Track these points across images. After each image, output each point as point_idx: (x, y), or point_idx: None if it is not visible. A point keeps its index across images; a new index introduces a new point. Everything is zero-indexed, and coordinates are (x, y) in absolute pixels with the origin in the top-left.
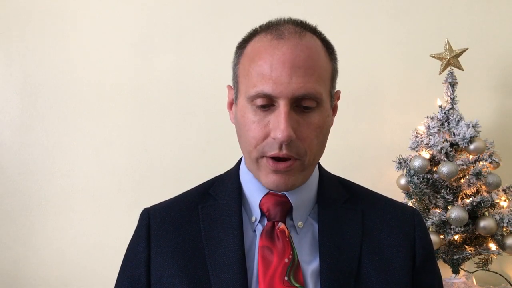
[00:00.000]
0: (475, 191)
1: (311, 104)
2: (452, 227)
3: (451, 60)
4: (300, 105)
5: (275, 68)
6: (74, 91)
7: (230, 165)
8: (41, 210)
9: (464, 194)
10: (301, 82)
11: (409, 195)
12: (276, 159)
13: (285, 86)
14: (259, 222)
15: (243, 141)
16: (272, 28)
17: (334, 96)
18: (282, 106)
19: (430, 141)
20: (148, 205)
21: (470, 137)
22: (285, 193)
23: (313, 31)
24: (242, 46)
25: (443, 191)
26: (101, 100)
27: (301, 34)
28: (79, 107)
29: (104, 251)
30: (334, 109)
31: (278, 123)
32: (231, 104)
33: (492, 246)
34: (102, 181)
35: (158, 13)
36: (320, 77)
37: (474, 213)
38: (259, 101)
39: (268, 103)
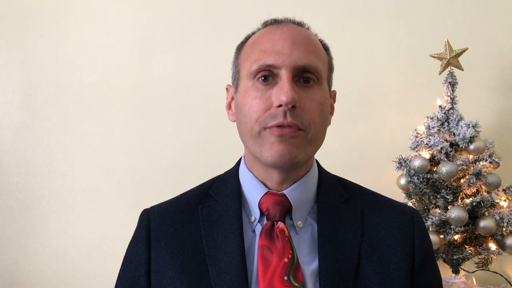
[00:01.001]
0: (475, 191)
1: (312, 77)
2: (452, 227)
3: (451, 60)
4: (301, 79)
5: (276, 44)
6: (74, 91)
7: (230, 165)
8: (41, 210)
9: (464, 194)
10: (302, 54)
11: (409, 195)
12: (280, 126)
13: (287, 56)
14: (258, 221)
15: (244, 123)
16: (272, 23)
17: (331, 93)
18: (284, 75)
19: (430, 141)
20: (148, 205)
21: (470, 137)
22: (285, 192)
23: (308, 29)
24: (242, 43)
25: (443, 191)
26: (101, 100)
27: (298, 24)
28: (79, 107)
29: (104, 251)
30: (331, 108)
31: (282, 90)
32: (229, 104)
33: (492, 246)
34: (102, 181)
35: (158, 13)
36: (319, 56)
37: (474, 213)
38: (261, 74)
39: (269, 75)
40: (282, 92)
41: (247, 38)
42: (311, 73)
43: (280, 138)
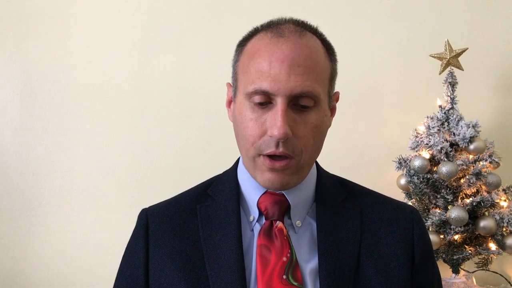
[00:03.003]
0: (475, 191)
1: (309, 103)
2: (452, 227)
3: (451, 60)
4: (298, 103)
5: (274, 66)
6: (74, 91)
7: (230, 165)
8: (41, 210)
9: (464, 194)
10: (300, 80)
11: (409, 195)
12: (272, 157)
13: (283, 84)
14: (257, 221)
15: (241, 139)
16: (273, 26)
17: (333, 97)
18: (279, 104)
19: (430, 141)
20: (148, 205)
21: (470, 137)
22: (283, 191)
23: (314, 31)
24: (242, 44)
25: (443, 191)
26: (101, 100)
27: (301, 33)
28: (79, 107)
29: (104, 251)
30: (332, 110)
31: (275, 121)
32: (229, 102)
33: (492, 246)
34: (102, 181)
35: (158, 13)
36: (318, 76)
37: (474, 213)
38: (257, 98)
39: (265, 101)
40: (275, 125)
41: (249, 37)
42: (308, 98)
43: (272, 169)
